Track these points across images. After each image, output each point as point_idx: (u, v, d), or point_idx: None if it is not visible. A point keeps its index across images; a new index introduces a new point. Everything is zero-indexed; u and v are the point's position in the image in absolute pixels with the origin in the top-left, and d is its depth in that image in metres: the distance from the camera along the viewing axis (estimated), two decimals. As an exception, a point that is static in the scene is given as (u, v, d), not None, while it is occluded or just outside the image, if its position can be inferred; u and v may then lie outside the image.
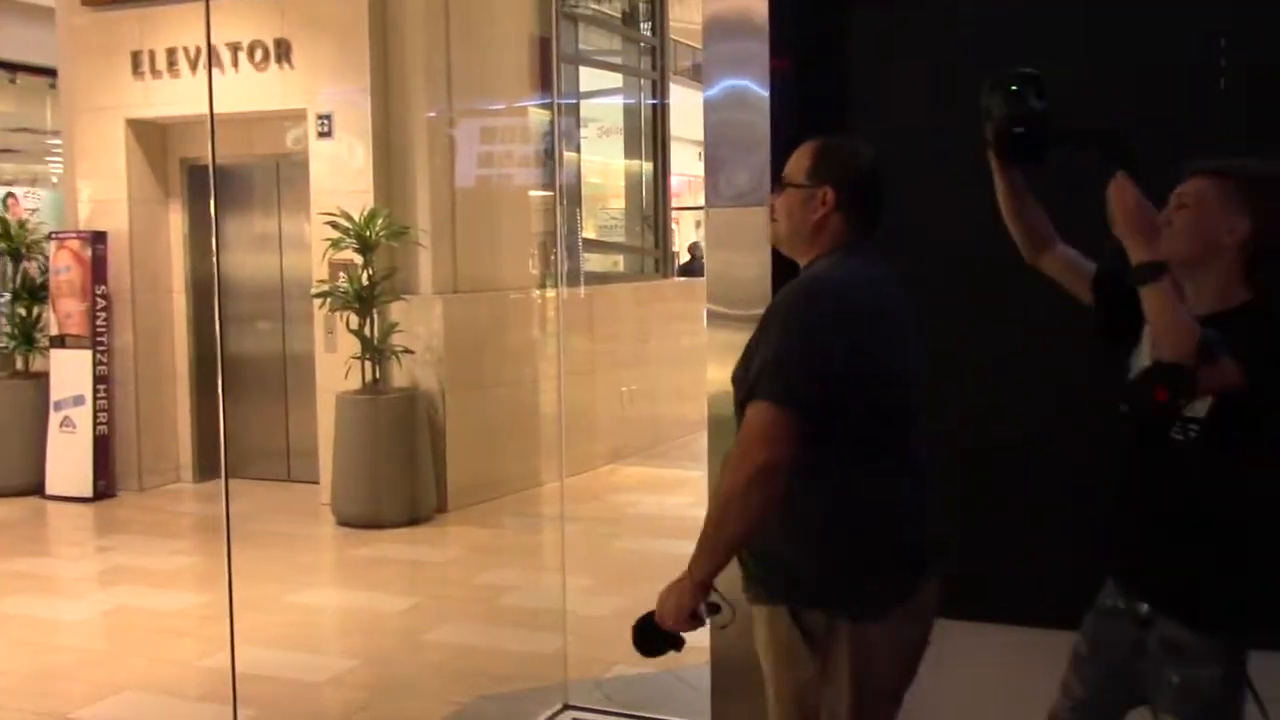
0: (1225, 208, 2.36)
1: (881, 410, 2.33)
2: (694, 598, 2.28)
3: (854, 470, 2.32)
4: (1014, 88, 2.44)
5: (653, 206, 10.98)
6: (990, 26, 3.54)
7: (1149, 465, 2.42)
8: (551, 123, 8.93)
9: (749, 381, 2.28)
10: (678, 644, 2.38)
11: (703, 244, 4.25)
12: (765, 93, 3.71)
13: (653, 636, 2.38)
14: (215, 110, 8.17)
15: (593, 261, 10.54)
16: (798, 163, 2.47)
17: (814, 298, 2.34)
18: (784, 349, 2.25)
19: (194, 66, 8.39)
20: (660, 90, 10.95)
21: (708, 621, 2.34)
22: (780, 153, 3.17)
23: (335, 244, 7.60)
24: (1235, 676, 2.36)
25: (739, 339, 3.72)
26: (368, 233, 7.58)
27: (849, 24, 3.75)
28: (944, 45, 3.59)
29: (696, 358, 4.78)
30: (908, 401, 2.42)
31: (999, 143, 2.49)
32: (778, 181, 2.55)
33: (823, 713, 2.40)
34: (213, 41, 8.31)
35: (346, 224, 7.57)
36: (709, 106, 3.82)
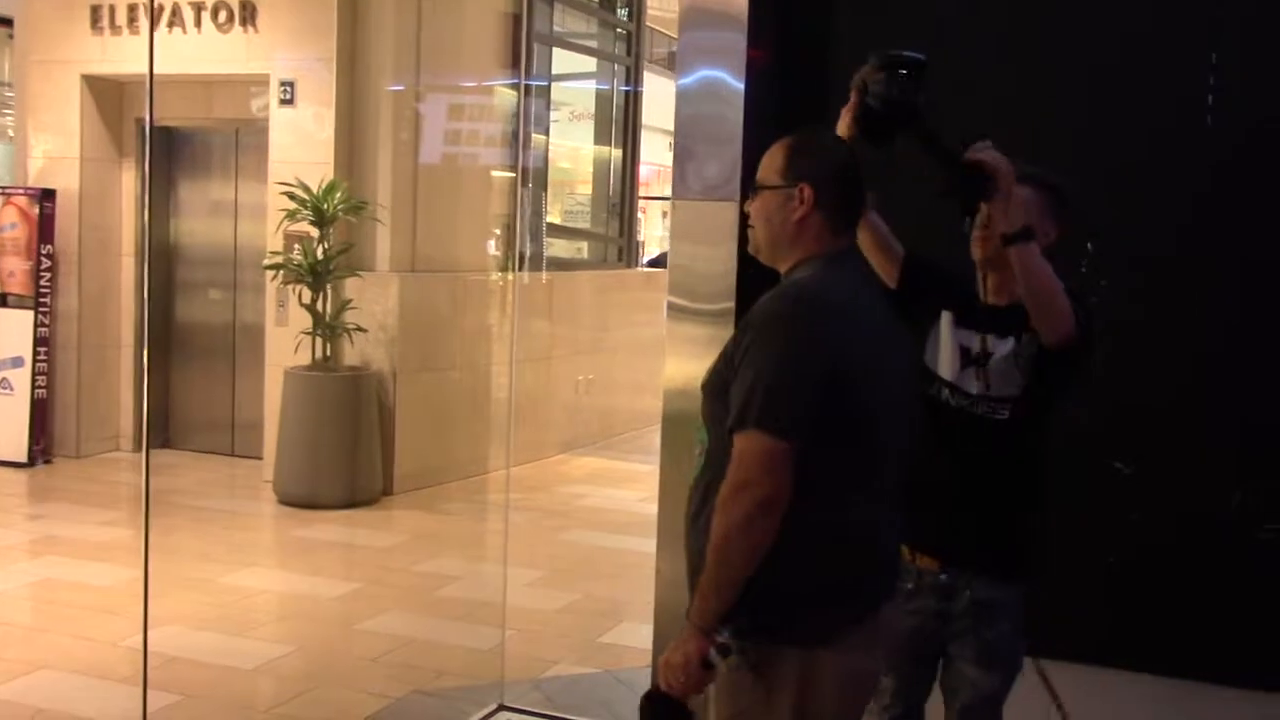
0: (1044, 214, 2.62)
1: (852, 430, 2.20)
2: (702, 645, 2.15)
3: (816, 492, 2.18)
4: (903, 72, 2.47)
5: (620, 194, 10.82)
6: (975, 21, 3.44)
7: (961, 447, 2.63)
8: (518, 103, 8.74)
9: (735, 408, 2.14)
10: (686, 715, 2.23)
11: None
12: (740, 85, 3.59)
13: (663, 712, 2.23)
14: (175, 71, 8.02)
15: (557, 247, 10.39)
16: (770, 163, 2.33)
17: (802, 314, 2.20)
18: (776, 373, 2.12)
19: (155, 24, 8.14)
20: (634, 77, 10.79)
21: (721, 667, 2.18)
22: (753, 148, 3.06)
23: (291, 215, 7.40)
24: (1020, 628, 2.67)
25: (700, 333, 3.64)
26: (325, 205, 7.39)
27: (832, 15, 3.63)
28: (928, 40, 3.49)
29: (656, 349, 4.66)
30: (883, 422, 2.27)
31: (864, 118, 2.52)
32: (751, 185, 2.40)
33: (763, 745, 2.27)
34: (176, 0, 8.08)
35: (303, 195, 7.37)
36: (681, 96, 3.69)
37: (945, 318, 2.69)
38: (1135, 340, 3.29)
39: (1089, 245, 3.34)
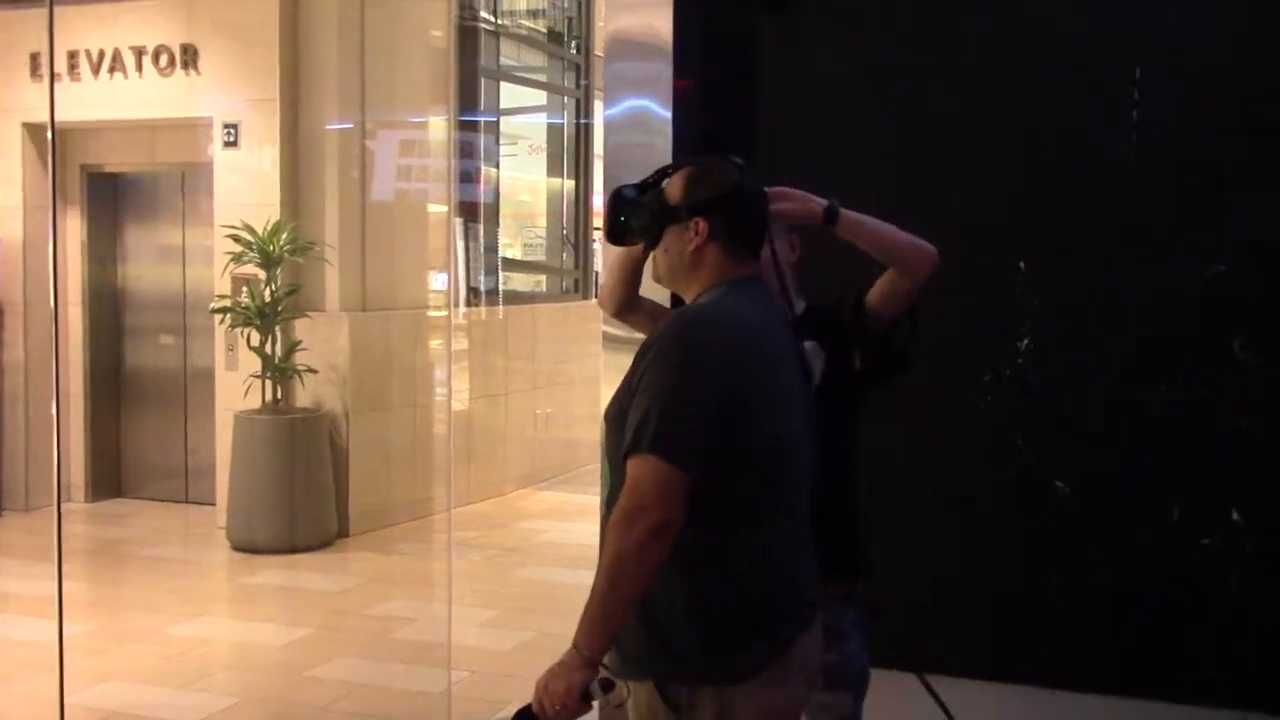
0: (789, 232, 2.65)
1: (758, 459, 2.16)
2: (586, 676, 2.09)
3: (726, 524, 2.14)
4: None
5: (573, 226, 10.80)
6: (900, 50, 3.43)
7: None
8: (460, 138, 8.69)
9: (631, 431, 2.09)
10: None
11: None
12: (667, 114, 3.58)
13: None
14: (117, 116, 7.97)
15: (515, 281, 10.35)
16: (671, 191, 2.30)
17: (698, 340, 2.16)
18: (669, 399, 2.08)
19: (96, 70, 8.09)
20: (584, 108, 10.78)
21: (597, 702, 2.14)
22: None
23: (237, 258, 7.33)
24: (864, 643, 2.68)
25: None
26: (271, 247, 7.32)
27: (757, 44, 3.62)
28: (854, 69, 3.48)
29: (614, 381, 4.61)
30: (786, 450, 2.24)
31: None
32: None
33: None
34: (118, 45, 8.03)
35: (249, 237, 7.30)
36: (609, 127, 3.69)
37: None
38: (1072, 359, 3.28)
39: (1021, 265, 3.33)
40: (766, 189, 2.42)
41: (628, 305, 2.72)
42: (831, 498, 2.44)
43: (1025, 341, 3.29)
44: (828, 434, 2.39)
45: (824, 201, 2.49)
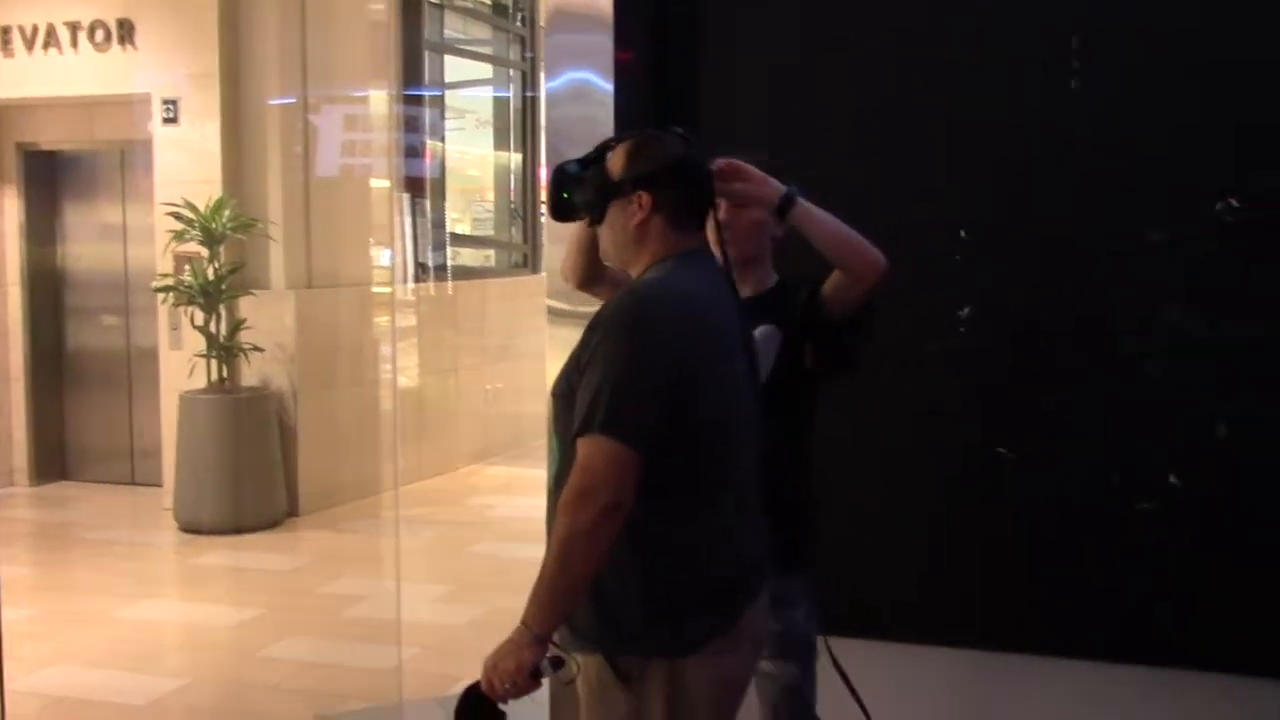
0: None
1: (707, 433, 2.17)
2: (536, 653, 2.09)
3: (676, 500, 2.16)
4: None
5: (522, 200, 10.74)
6: (846, 19, 3.43)
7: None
8: (390, 111, 8.57)
9: (582, 410, 2.09)
10: (499, 717, 2.19)
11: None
12: (609, 86, 3.55)
13: (478, 711, 2.17)
14: (53, 94, 7.84)
15: (464, 256, 10.28)
16: (613, 165, 2.29)
17: (649, 315, 2.16)
18: (620, 377, 2.07)
19: (30, 46, 7.93)
20: (531, 81, 10.71)
21: (547, 679, 2.15)
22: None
23: (179, 236, 7.23)
24: (812, 613, 2.67)
25: (580, 336, 3.61)
26: (213, 224, 7.23)
27: (699, 14, 3.60)
28: (799, 37, 3.48)
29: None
30: (734, 423, 2.25)
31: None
32: None
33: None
34: (52, 20, 7.87)
35: (191, 215, 7.21)
36: (551, 100, 3.66)
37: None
38: (1013, 327, 3.31)
39: (961, 233, 3.35)
40: (721, 163, 2.41)
41: (590, 278, 2.70)
42: (782, 484, 2.44)
43: (966, 310, 3.31)
44: (778, 417, 2.39)
45: (783, 188, 2.46)
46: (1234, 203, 3.09)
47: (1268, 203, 3.06)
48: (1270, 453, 3.08)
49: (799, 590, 2.66)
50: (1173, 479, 3.13)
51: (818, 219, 2.48)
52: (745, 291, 2.58)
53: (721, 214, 2.42)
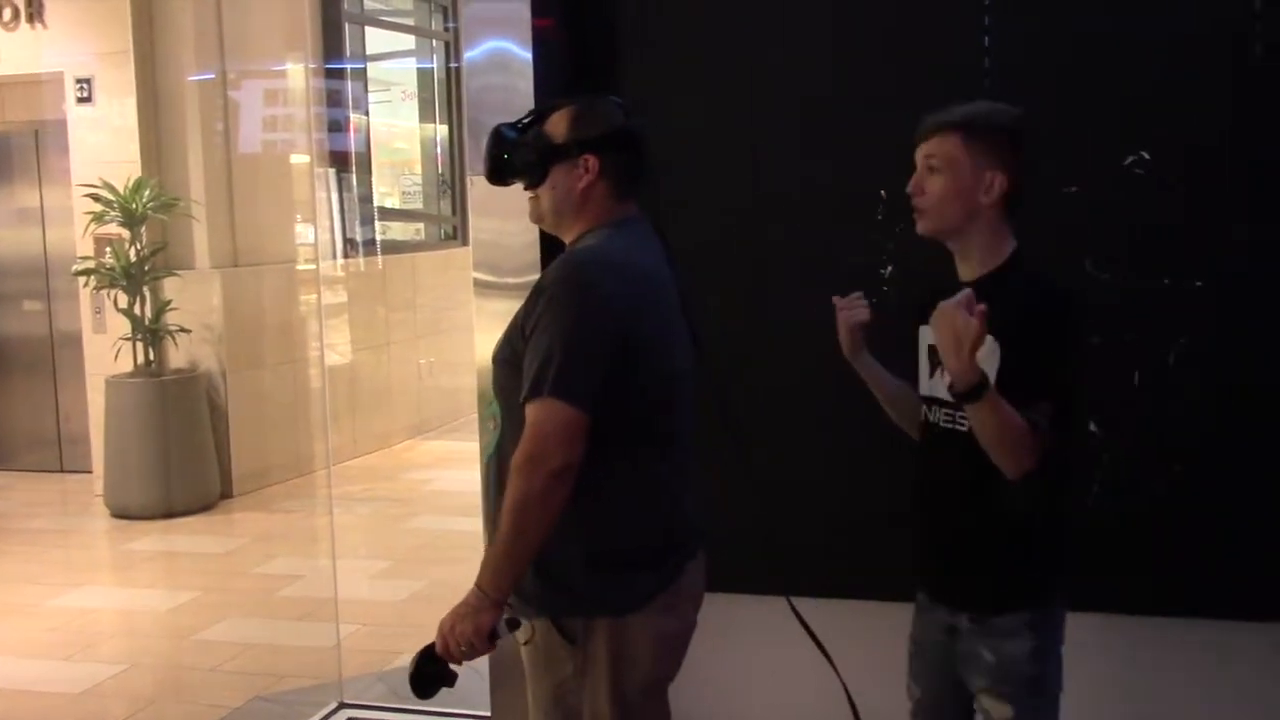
0: (978, 164, 2.26)
1: (649, 396, 2.21)
2: (493, 616, 2.12)
3: (619, 462, 2.19)
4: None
5: (450, 172, 10.66)
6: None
7: (935, 463, 2.39)
8: (307, 85, 8.46)
9: (530, 375, 2.10)
10: (452, 680, 2.21)
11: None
12: (528, 55, 3.53)
13: (431, 675, 2.19)
14: (-39, 74, 7.63)
15: (394, 230, 10.19)
16: (555, 129, 2.29)
17: (593, 280, 2.17)
18: (568, 341, 2.09)
19: (-65, 25, 7.71)
20: (454, 51, 10.61)
21: (501, 640, 2.18)
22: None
23: (98, 218, 7.10)
24: (1046, 647, 2.32)
25: (507, 308, 3.53)
26: (133, 205, 7.10)
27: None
28: (714, 12, 3.48)
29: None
30: (675, 385, 2.29)
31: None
32: None
33: (585, 711, 2.27)
34: (-44, -1, 7.66)
35: (110, 196, 7.07)
36: (470, 70, 3.64)
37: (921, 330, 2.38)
38: (932, 283, 3.35)
39: (882, 193, 3.37)
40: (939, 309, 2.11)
41: None
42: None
43: (889, 269, 3.35)
44: None
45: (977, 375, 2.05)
46: (1145, 155, 3.15)
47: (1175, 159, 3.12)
48: (1182, 399, 3.15)
49: (1019, 625, 2.30)
50: (1093, 427, 3.20)
51: (994, 419, 2.09)
52: (964, 274, 2.32)
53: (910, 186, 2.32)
